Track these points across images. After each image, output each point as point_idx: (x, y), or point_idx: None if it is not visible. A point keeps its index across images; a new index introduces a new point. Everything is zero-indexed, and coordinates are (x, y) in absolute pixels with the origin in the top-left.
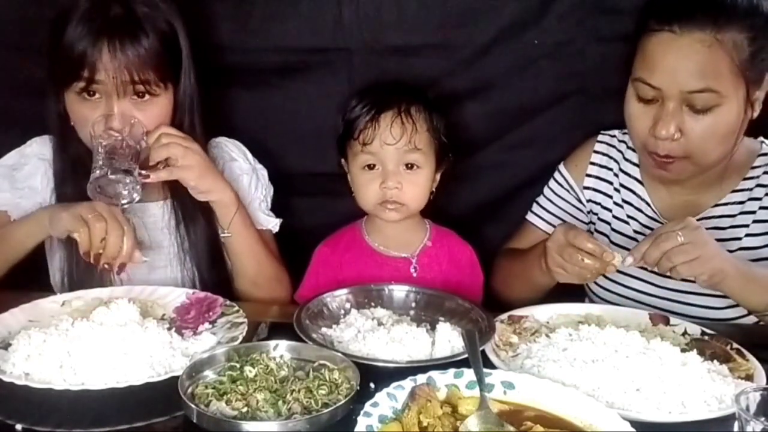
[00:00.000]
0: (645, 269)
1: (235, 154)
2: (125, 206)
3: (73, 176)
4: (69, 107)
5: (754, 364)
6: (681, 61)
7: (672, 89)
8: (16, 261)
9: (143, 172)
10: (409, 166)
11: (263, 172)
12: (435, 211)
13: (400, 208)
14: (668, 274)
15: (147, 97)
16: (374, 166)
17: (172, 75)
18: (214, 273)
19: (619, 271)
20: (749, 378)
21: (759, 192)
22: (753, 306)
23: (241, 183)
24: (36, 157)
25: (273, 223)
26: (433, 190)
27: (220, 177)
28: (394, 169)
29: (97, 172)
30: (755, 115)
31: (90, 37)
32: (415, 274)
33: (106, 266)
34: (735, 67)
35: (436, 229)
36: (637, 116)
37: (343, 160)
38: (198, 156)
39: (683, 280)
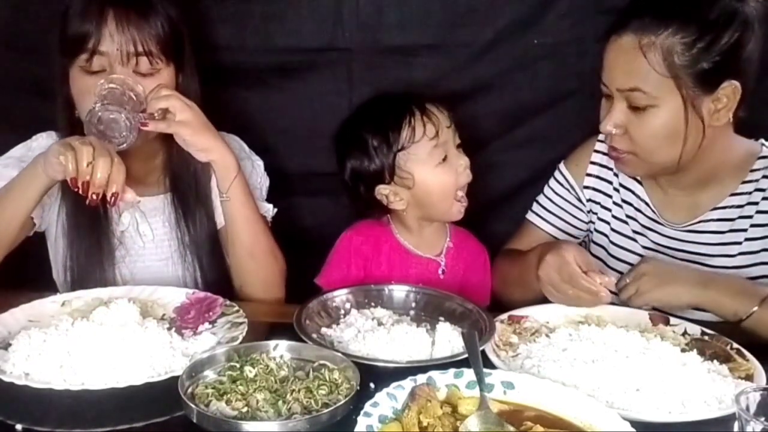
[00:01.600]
0: None
1: (231, 146)
2: (122, 147)
3: None
4: (72, 84)
5: (754, 364)
6: (614, 61)
7: (611, 87)
8: (21, 218)
9: (141, 115)
10: (459, 146)
11: (259, 163)
12: None
13: (465, 200)
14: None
15: (149, 71)
16: (446, 158)
17: (174, 57)
18: (214, 268)
19: (619, 272)
20: (749, 378)
21: (757, 196)
22: (721, 316)
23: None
24: (43, 150)
25: (266, 209)
26: None
27: (219, 139)
28: (455, 152)
29: (95, 106)
30: (717, 124)
31: (97, 7)
32: (442, 276)
33: (94, 197)
34: (664, 71)
35: (455, 229)
36: (601, 112)
37: (384, 188)
38: (196, 113)
39: None
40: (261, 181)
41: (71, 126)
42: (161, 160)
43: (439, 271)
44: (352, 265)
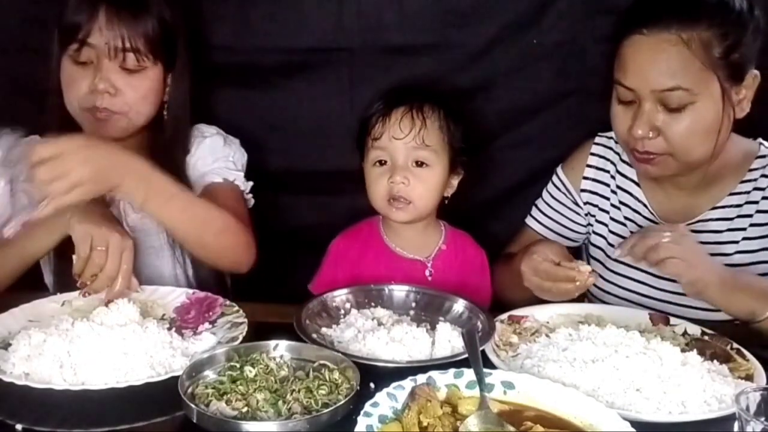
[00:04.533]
0: (644, 271)
1: (208, 133)
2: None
3: None
4: (62, 74)
5: (754, 364)
6: (650, 62)
7: (644, 89)
8: (41, 255)
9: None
10: (419, 164)
11: (236, 141)
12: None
13: (406, 208)
14: (655, 269)
15: (135, 68)
16: (384, 162)
17: (164, 56)
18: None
19: (617, 273)
20: (749, 378)
21: (756, 195)
22: (734, 314)
23: (213, 143)
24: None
25: (235, 177)
26: (448, 195)
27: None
28: (402, 164)
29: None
30: (741, 114)
31: (91, 1)
32: (430, 278)
33: (86, 295)
34: (706, 64)
35: (452, 231)
36: (618, 117)
37: (364, 164)
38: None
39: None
40: (235, 153)
41: (61, 124)
42: (147, 155)
43: (426, 273)
44: (339, 270)
